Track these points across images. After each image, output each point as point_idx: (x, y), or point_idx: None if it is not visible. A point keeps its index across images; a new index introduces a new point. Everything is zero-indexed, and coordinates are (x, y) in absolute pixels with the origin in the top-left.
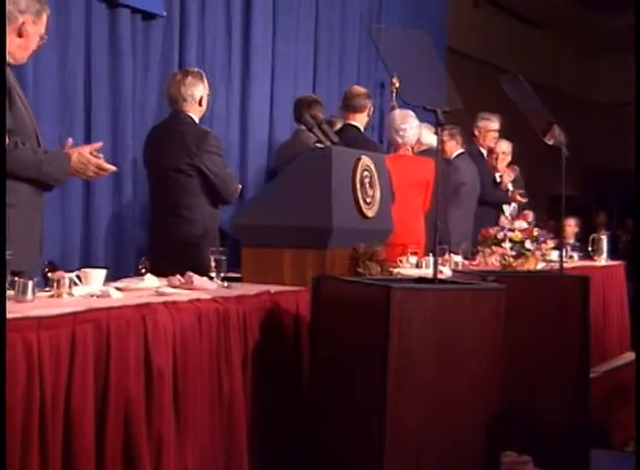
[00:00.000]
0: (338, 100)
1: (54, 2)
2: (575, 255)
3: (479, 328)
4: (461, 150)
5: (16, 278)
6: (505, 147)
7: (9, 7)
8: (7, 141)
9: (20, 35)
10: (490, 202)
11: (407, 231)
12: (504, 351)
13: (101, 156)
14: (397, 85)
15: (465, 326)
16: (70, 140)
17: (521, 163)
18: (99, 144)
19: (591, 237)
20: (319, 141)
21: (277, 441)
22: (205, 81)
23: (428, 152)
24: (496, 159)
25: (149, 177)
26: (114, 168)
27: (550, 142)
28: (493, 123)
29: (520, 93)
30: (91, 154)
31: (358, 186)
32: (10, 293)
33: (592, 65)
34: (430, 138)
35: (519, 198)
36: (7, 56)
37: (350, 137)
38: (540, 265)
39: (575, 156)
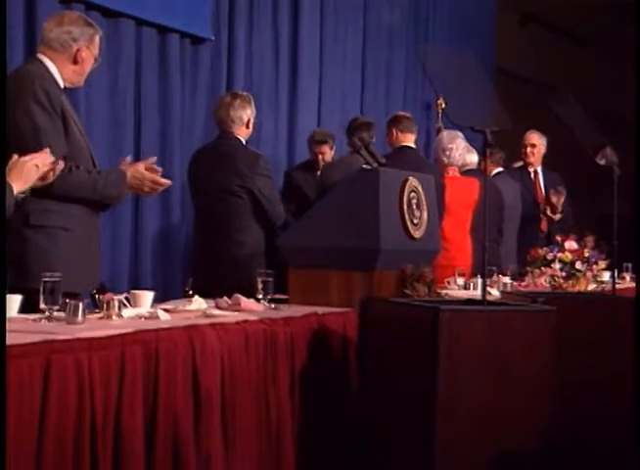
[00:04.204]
0: (384, 121)
1: (105, 27)
2: (628, 276)
3: (529, 351)
4: (500, 169)
5: (67, 300)
6: (536, 139)
7: (62, 36)
8: (62, 166)
9: (75, 62)
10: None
11: (456, 252)
12: (555, 374)
13: (159, 169)
14: (443, 106)
15: (515, 349)
16: (129, 158)
17: (571, 183)
18: (153, 159)
19: None
20: (367, 163)
21: (325, 461)
22: (253, 105)
23: (471, 172)
24: (525, 153)
25: (196, 198)
26: (168, 182)
27: (601, 162)
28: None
29: (570, 113)
30: (146, 169)
31: (405, 207)
32: (61, 314)
33: None
34: (471, 158)
35: (549, 214)
36: (63, 81)
37: (409, 158)
38: (591, 287)
39: (628, 175)
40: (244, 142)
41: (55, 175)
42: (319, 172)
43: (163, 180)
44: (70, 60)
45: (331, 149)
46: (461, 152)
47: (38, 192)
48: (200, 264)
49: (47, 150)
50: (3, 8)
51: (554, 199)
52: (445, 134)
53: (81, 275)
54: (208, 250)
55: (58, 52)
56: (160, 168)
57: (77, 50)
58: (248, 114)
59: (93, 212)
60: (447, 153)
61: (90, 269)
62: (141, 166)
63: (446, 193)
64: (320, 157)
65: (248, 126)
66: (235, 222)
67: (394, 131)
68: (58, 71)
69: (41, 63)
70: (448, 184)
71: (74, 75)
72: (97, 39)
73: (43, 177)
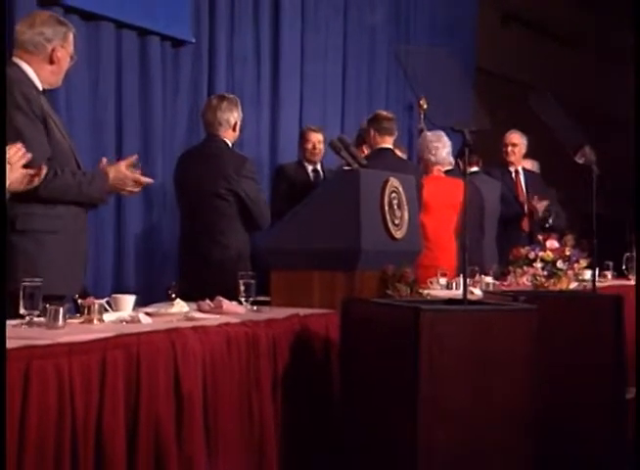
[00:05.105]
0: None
1: (85, 30)
2: (609, 274)
3: (511, 350)
4: (476, 168)
5: (47, 305)
6: (516, 139)
7: (36, 37)
8: (46, 170)
9: (51, 62)
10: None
11: (440, 253)
12: (537, 372)
13: (137, 171)
14: (425, 107)
15: (496, 347)
16: (105, 159)
17: (551, 182)
18: (134, 157)
19: (625, 256)
20: (347, 164)
21: (307, 464)
22: (240, 107)
23: (450, 171)
24: (506, 152)
25: (181, 201)
26: (150, 181)
27: (580, 161)
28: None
29: (549, 112)
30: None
31: (386, 208)
32: (41, 319)
33: (624, 81)
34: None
35: (536, 203)
36: (40, 83)
37: (388, 160)
38: (573, 285)
39: (608, 173)
40: (230, 145)
41: (40, 179)
42: (309, 166)
43: (145, 178)
44: (47, 60)
45: (325, 141)
46: (448, 150)
47: (24, 196)
48: (185, 268)
49: (19, 145)
50: (3, 9)
51: (539, 204)
52: (430, 134)
53: (69, 277)
54: (194, 253)
55: (33, 54)
56: (139, 164)
57: (52, 50)
58: (235, 116)
59: (79, 214)
60: (434, 151)
61: (77, 271)
62: (122, 166)
63: (430, 192)
64: (316, 147)
65: (234, 129)
66: (220, 225)
67: (372, 132)
68: (35, 74)
69: (18, 66)
70: (433, 184)
71: (52, 76)
72: (71, 37)
73: (29, 181)
